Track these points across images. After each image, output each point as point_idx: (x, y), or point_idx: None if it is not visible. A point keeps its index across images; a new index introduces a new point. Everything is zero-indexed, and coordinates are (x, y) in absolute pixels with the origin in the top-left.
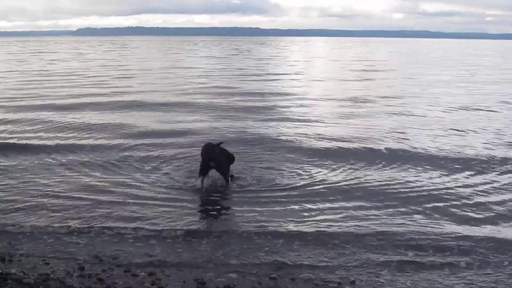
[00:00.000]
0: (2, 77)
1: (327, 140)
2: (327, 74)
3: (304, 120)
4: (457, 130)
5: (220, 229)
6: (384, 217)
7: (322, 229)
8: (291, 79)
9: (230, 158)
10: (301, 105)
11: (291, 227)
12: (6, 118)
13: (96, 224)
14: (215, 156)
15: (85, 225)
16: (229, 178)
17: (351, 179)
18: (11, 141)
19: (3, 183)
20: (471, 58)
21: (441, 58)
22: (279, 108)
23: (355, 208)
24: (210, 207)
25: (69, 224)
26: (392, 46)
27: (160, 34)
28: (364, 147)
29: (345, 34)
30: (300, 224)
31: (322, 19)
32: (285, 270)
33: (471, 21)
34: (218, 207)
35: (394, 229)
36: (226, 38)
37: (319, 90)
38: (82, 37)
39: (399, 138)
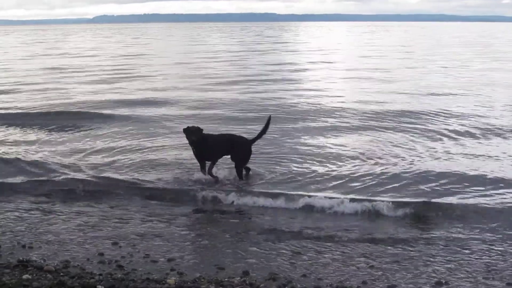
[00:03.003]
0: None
1: None
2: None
3: None
4: None
5: (239, 217)
6: None
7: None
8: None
9: None
10: None
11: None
12: None
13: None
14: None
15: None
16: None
17: None
18: None
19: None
20: None
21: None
22: None
23: None
24: (228, 196)
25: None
26: (419, 31)
27: (176, 20)
28: None
29: (360, 18)
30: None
31: (338, 4)
32: (303, 256)
33: (487, 4)
34: (236, 195)
35: None
36: (246, 24)
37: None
38: (100, 25)
39: None
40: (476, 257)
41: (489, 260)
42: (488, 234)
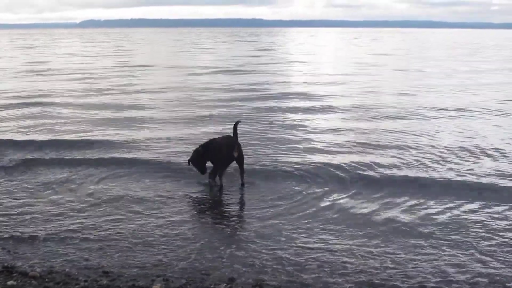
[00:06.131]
0: None
1: None
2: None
3: None
4: None
5: (226, 222)
6: None
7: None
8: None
9: None
10: None
11: (297, 221)
12: None
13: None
14: (239, 147)
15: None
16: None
17: None
18: None
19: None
20: None
21: None
22: None
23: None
24: (218, 201)
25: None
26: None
27: (164, 25)
28: None
29: (349, 24)
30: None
31: (326, 10)
32: (288, 262)
33: (476, 10)
34: (226, 202)
35: None
36: (237, 29)
37: None
38: (88, 29)
39: None
40: None
41: None
42: None
